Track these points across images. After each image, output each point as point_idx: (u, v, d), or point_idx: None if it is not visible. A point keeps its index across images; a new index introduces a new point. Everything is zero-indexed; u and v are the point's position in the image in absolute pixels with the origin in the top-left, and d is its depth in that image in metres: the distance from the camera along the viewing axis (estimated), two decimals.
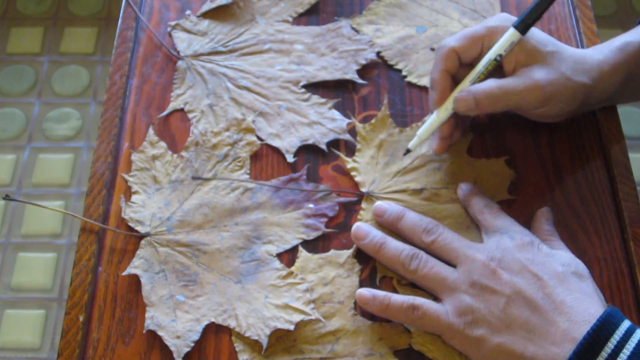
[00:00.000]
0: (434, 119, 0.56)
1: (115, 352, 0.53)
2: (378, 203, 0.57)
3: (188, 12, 0.69)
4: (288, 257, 0.56)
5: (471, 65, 0.56)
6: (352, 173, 0.59)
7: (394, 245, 0.54)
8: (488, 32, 0.55)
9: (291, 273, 0.55)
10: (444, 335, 0.51)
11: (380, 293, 0.52)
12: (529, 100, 0.54)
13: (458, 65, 0.56)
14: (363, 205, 0.58)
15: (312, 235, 0.57)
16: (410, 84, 0.65)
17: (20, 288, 1.39)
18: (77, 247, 0.57)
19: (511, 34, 0.54)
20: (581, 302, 0.48)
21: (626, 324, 0.46)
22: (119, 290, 0.55)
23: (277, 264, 0.55)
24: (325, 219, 0.57)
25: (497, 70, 0.56)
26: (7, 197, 0.57)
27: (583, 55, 0.56)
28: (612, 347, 0.44)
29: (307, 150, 0.61)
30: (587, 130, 0.62)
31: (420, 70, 0.65)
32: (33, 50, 1.68)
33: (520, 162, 0.60)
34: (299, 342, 0.52)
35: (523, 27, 0.54)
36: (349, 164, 0.60)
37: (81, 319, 0.53)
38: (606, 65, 0.56)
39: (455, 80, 0.56)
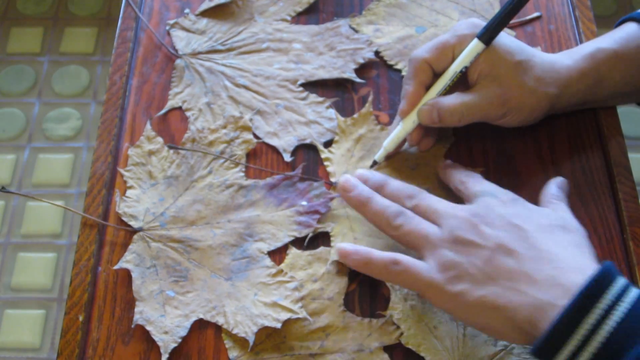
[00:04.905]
0: (399, 130, 0.57)
1: (114, 351, 0.53)
2: (360, 171, 0.56)
3: (187, 10, 0.69)
4: (279, 255, 0.56)
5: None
6: (325, 163, 0.60)
7: (381, 201, 0.53)
8: (458, 41, 0.55)
9: (281, 271, 0.55)
10: (424, 294, 0.49)
11: (363, 248, 0.51)
12: (490, 114, 0.55)
13: (432, 77, 0.56)
14: (333, 194, 0.58)
15: (304, 232, 0.57)
16: None
17: (20, 288, 1.39)
18: (76, 247, 0.57)
19: (475, 45, 0.54)
20: (568, 252, 0.46)
21: (623, 279, 0.44)
22: (118, 290, 0.55)
23: (268, 261, 0.55)
24: (317, 216, 0.57)
25: (463, 79, 0.56)
26: (3, 189, 0.57)
27: (552, 63, 0.56)
28: (612, 298, 0.42)
29: (307, 149, 0.61)
30: (587, 131, 0.62)
31: None
32: (33, 50, 1.68)
33: (520, 162, 0.60)
34: (288, 338, 0.52)
35: (487, 37, 0.53)
36: (324, 153, 0.60)
37: (81, 318, 0.53)
38: (574, 72, 0.56)
39: (427, 89, 0.57)
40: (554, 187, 0.55)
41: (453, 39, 0.55)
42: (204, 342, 0.53)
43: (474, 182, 0.54)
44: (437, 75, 0.56)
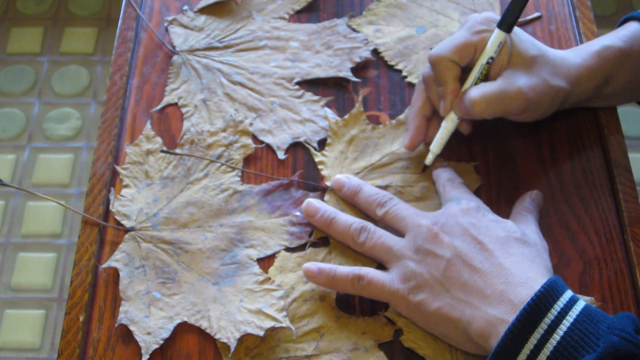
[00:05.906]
0: (442, 131, 0.57)
1: (115, 352, 0.53)
2: (337, 176, 0.58)
3: (185, 7, 0.69)
4: (268, 262, 0.56)
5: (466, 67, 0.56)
6: (320, 167, 0.60)
7: (344, 219, 0.55)
8: (480, 37, 0.55)
9: (268, 279, 0.54)
10: (390, 303, 0.52)
11: (326, 266, 0.53)
12: (513, 107, 0.55)
13: (461, 72, 0.56)
14: (326, 198, 0.58)
15: (295, 243, 0.56)
16: (410, 85, 0.65)
17: (20, 288, 1.39)
18: (77, 247, 0.57)
19: (497, 35, 0.54)
20: (519, 266, 0.48)
21: (569, 293, 0.45)
22: (119, 290, 0.55)
23: (256, 268, 0.55)
24: (310, 229, 0.57)
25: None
26: (1, 182, 0.56)
27: (563, 59, 0.56)
28: (556, 313, 0.44)
29: (305, 149, 0.61)
30: (587, 131, 0.62)
31: (421, 71, 0.65)
32: (33, 50, 1.68)
33: (520, 162, 0.60)
34: (283, 341, 0.52)
35: (507, 26, 0.54)
36: (317, 157, 0.60)
37: (81, 318, 0.53)
38: (584, 70, 0.56)
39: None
40: (528, 199, 0.56)
41: (474, 37, 0.55)
42: (203, 343, 0.53)
43: (451, 187, 0.55)
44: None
